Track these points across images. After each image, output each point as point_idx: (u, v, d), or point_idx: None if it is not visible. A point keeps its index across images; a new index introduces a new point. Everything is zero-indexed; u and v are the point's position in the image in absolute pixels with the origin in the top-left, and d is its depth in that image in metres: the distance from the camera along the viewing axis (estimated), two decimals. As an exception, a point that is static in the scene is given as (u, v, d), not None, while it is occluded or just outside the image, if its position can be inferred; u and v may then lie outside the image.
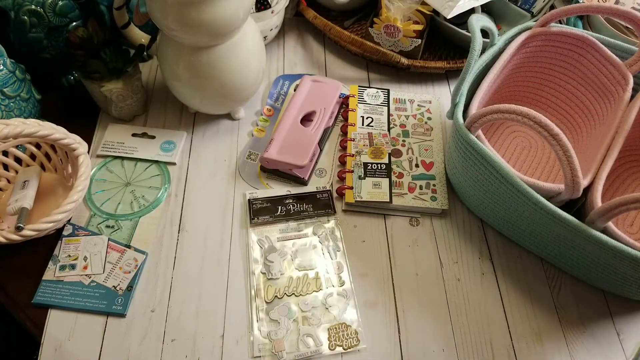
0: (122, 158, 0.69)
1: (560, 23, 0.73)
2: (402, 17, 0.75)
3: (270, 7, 0.79)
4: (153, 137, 0.71)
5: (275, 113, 0.75)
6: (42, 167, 0.66)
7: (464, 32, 0.79)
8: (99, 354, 0.54)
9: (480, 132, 0.56)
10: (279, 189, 0.67)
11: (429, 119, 0.74)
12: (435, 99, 0.76)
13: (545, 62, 0.69)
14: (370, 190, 0.65)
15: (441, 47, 0.84)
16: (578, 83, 0.69)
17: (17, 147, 0.64)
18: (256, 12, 0.78)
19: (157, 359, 0.54)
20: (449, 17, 0.73)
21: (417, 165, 0.68)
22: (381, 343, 0.56)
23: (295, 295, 0.58)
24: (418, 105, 0.75)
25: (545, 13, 0.79)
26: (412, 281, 0.61)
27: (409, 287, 0.60)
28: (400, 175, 0.67)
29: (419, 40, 0.77)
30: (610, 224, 0.51)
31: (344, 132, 0.73)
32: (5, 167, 0.64)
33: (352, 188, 0.65)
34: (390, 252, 0.63)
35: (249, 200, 0.65)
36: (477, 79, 0.63)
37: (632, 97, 0.62)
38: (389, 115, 0.73)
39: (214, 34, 0.59)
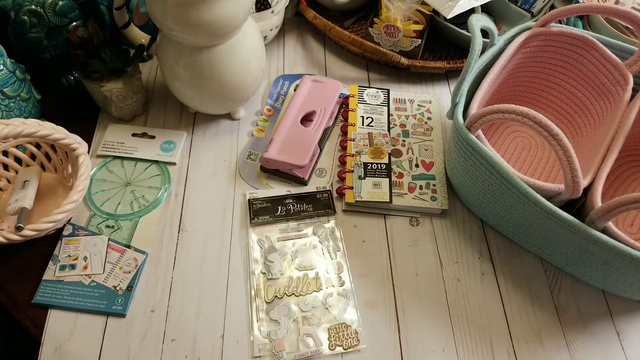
0: (122, 158, 0.69)
1: (560, 23, 0.73)
2: (402, 17, 0.76)
3: (270, 7, 0.79)
4: (153, 137, 0.71)
5: (275, 113, 0.75)
6: (42, 167, 0.66)
7: (464, 32, 0.79)
8: (99, 354, 0.54)
9: (480, 132, 0.56)
10: (279, 189, 0.67)
11: (429, 119, 0.74)
12: (435, 99, 0.76)
13: (545, 62, 0.69)
14: (370, 190, 0.65)
15: (441, 47, 0.84)
16: (578, 83, 0.69)
17: (17, 147, 0.64)
18: (256, 12, 0.78)
19: (157, 359, 0.54)
20: (449, 17, 0.73)
21: (417, 165, 0.68)
22: (381, 343, 0.56)
23: (295, 295, 0.58)
24: (418, 105, 0.75)
25: (545, 13, 0.80)
26: (412, 281, 0.61)
27: (409, 287, 0.60)
28: (400, 175, 0.67)
29: (419, 40, 0.77)
30: (610, 224, 0.51)
31: (344, 132, 0.73)
32: (5, 167, 0.64)
33: (352, 188, 0.65)
34: (390, 252, 0.63)
35: (249, 200, 0.65)
36: (477, 79, 0.63)
37: (632, 97, 0.62)
38: (389, 115, 0.73)
39: (213, 34, 0.59)
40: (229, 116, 0.74)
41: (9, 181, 0.65)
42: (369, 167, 0.67)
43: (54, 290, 0.57)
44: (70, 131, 0.60)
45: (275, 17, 0.77)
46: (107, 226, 0.63)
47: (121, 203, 0.65)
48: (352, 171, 0.67)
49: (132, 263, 0.59)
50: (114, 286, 0.58)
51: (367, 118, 0.73)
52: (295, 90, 0.77)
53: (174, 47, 0.63)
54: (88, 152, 0.61)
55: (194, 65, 0.62)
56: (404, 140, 0.71)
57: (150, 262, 0.60)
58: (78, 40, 0.64)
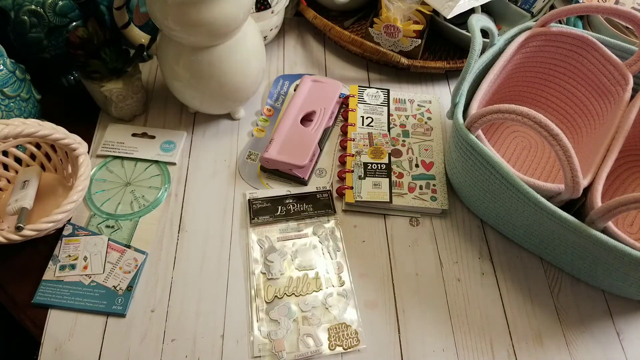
0: (122, 158, 0.69)
1: (560, 23, 0.73)
2: (402, 17, 0.76)
3: (270, 7, 0.79)
4: (153, 137, 0.71)
5: (275, 113, 0.75)
6: (42, 167, 0.66)
7: (464, 32, 0.79)
8: (99, 354, 0.54)
9: (480, 132, 0.56)
10: (279, 189, 0.67)
11: (429, 119, 0.74)
12: (435, 99, 0.76)
13: (545, 62, 0.69)
14: (370, 190, 0.65)
15: (441, 47, 0.84)
16: (578, 83, 0.69)
17: (17, 147, 0.64)
18: (256, 12, 0.78)
19: (157, 359, 0.54)
20: (449, 17, 0.73)
21: (417, 165, 0.68)
22: (381, 343, 0.56)
23: (295, 295, 0.58)
24: (418, 105, 0.75)
25: (545, 13, 0.80)
26: (412, 281, 0.61)
27: (409, 287, 0.60)
28: (400, 175, 0.67)
29: (419, 40, 0.77)
30: (610, 224, 0.51)
31: (344, 132, 0.73)
32: (5, 167, 0.64)
33: (352, 188, 0.65)
34: (390, 252, 0.63)
35: (249, 200, 0.65)
36: (477, 79, 0.63)
37: (632, 97, 0.62)
38: (389, 115, 0.73)
39: (213, 34, 0.59)
40: (229, 116, 0.74)
41: (9, 181, 0.65)
42: (369, 167, 0.67)
43: (54, 290, 0.57)
44: (70, 131, 0.60)
45: (275, 17, 0.77)
46: (107, 226, 0.63)
47: (121, 203, 0.65)
48: (352, 171, 0.67)
49: (132, 263, 0.59)
50: (114, 286, 0.58)
51: (367, 118, 0.73)
52: (295, 90, 0.77)
53: (174, 47, 0.63)
54: (88, 152, 0.61)
55: (194, 65, 0.62)
56: (404, 140, 0.71)
57: (150, 262, 0.60)
58: (78, 40, 0.64)
